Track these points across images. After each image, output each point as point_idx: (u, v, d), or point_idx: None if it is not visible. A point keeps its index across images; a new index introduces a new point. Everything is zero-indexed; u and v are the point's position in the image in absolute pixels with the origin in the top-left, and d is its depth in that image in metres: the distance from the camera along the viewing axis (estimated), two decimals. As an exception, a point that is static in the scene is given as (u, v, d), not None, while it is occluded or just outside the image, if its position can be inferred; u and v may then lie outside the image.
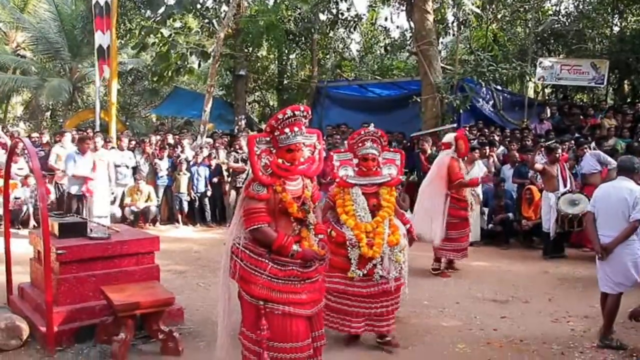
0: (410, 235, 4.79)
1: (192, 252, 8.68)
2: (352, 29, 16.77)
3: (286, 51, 17.78)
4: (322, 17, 16.26)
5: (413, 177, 10.24)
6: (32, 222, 9.93)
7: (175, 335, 4.47)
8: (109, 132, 12.24)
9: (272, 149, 3.51)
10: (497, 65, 12.11)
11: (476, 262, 7.76)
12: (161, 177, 11.04)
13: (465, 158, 7.49)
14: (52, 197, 9.97)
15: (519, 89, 17.73)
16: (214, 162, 11.40)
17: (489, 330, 5.20)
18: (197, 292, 6.36)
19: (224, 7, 15.88)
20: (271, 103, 20.90)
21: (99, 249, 4.85)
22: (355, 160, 4.66)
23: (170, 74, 16.08)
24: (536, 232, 9.07)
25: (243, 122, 14.78)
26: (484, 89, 13.02)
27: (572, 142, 10.22)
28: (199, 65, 17.89)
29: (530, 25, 14.97)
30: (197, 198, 11.15)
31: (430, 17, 12.46)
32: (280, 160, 3.46)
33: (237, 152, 11.08)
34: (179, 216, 11.12)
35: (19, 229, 9.52)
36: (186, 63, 16.04)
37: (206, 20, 16.41)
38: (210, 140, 12.94)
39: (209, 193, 11.18)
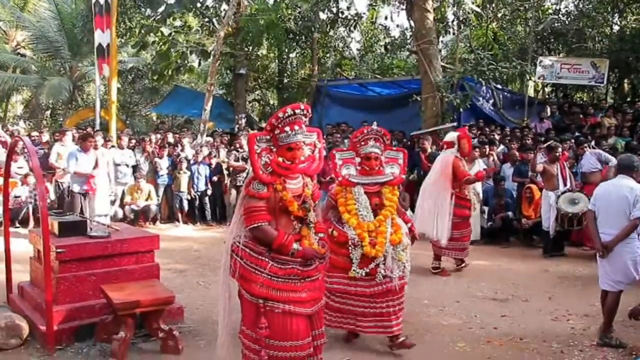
0: (412, 234, 4.77)
1: (192, 251, 8.68)
2: (352, 28, 16.73)
3: (286, 50, 17.77)
4: (322, 15, 16.24)
5: (413, 176, 10.24)
6: (32, 222, 9.93)
7: (175, 334, 4.47)
8: (109, 130, 12.25)
9: (272, 147, 3.50)
10: (497, 64, 12.09)
11: (476, 261, 7.76)
12: (161, 175, 11.05)
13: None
14: (52, 195, 9.97)
15: (519, 87, 17.72)
16: (214, 161, 11.40)
17: (489, 328, 5.20)
18: (197, 290, 6.36)
19: (224, 6, 15.89)
20: (271, 102, 20.90)
21: (98, 247, 4.84)
22: (358, 159, 4.62)
23: (170, 72, 16.10)
24: (536, 231, 9.07)
25: (243, 120, 14.78)
26: (484, 87, 13.01)
27: (572, 141, 10.22)
28: (199, 64, 17.88)
29: (530, 24, 14.96)
30: (197, 197, 11.16)
31: (431, 16, 12.45)
32: (280, 159, 3.46)
33: (238, 151, 11.08)
34: (179, 215, 11.13)
35: (18, 227, 9.51)
36: (186, 62, 16.05)
37: (206, 19, 16.41)
38: (210, 139, 12.95)
39: (209, 192, 11.19)
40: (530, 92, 17.47)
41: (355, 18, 16.28)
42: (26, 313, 4.82)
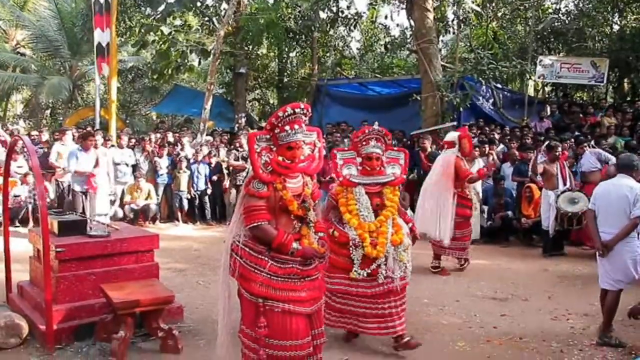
0: (413, 234, 4.75)
1: (191, 250, 8.68)
2: (352, 27, 16.72)
3: (286, 49, 17.77)
4: (322, 15, 16.22)
5: (413, 175, 10.24)
6: (31, 221, 9.93)
7: (174, 333, 4.46)
8: (109, 130, 12.25)
9: (272, 146, 3.50)
10: (497, 63, 12.08)
11: (476, 260, 7.76)
12: (161, 175, 11.04)
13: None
14: (52, 195, 9.97)
15: (519, 87, 17.73)
16: (214, 160, 11.40)
17: (488, 328, 5.20)
18: (197, 290, 6.36)
19: (224, 5, 15.88)
20: (271, 101, 20.89)
21: (98, 247, 4.84)
22: (359, 159, 4.60)
23: (170, 71, 16.10)
24: (536, 230, 9.08)
25: (243, 120, 14.78)
26: (484, 87, 13.01)
27: (572, 140, 10.22)
28: (199, 63, 17.88)
29: (530, 23, 14.96)
30: (197, 196, 11.15)
31: (431, 15, 12.44)
32: (280, 158, 3.46)
33: (237, 150, 11.07)
34: (179, 214, 11.13)
35: (18, 227, 9.51)
36: (186, 61, 16.06)
37: (206, 18, 16.41)
38: (210, 138, 12.94)
39: (209, 191, 11.19)
40: (530, 91, 17.47)
41: (355, 17, 16.26)
42: (26, 312, 4.81)
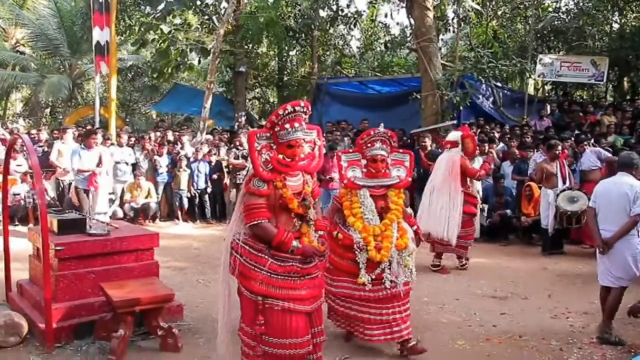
0: (417, 236, 4.69)
1: (191, 249, 8.68)
2: (352, 26, 16.75)
3: (286, 48, 17.76)
4: (322, 13, 16.24)
5: (413, 174, 10.22)
6: (31, 220, 9.93)
7: (174, 332, 4.47)
8: (109, 128, 12.24)
9: (272, 144, 3.50)
10: (497, 62, 12.09)
11: (475, 259, 7.76)
12: (161, 173, 11.04)
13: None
14: (52, 193, 9.96)
15: (519, 85, 17.75)
16: (214, 159, 11.39)
17: (488, 326, 5.20)
18: (197, 288, 6.36)
19: (224, 4, 15.87)
20: (271, 100, 20.89)
21: (98, 245, 4.83)
22: (364, 161, 4.53)
23: (170, 70, 16.11)
24: (536, 229, 9.07)
25: (243, 118, 14.76)
26: (484, 85, 13.01)
27: (572, 139, 10.21)
28: (199, 61, 17.89)
29: (530, 22, 14.96)
30: (197, 194, 11.15)
31: (430, 14, 12.44)
32: (280, 156, 3.46)
33: (237, 149, 11.06)
34: (179, 213, 11.12)
35: (17, 225, 9.51)
36: (186, 59, 16.07)
37: (206, 17, 16.41)
38: (210, 136, 12.94)
39: (209, 190, 11.19)
40: (530, 90, 17.47)
41: (355, 16, 16.28)
42: (25, 311, 4.81)
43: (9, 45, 21.11)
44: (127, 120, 19.41)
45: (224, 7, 15.57)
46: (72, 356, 4.34)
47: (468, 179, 7.20)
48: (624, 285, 4.74)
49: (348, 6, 16.34)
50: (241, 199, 3.54)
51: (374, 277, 4.25)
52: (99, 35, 12.32)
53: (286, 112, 3.41)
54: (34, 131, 12.79)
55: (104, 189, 9.29)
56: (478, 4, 14.68)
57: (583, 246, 8.60)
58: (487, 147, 9.98)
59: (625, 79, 16.57)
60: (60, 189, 9.99)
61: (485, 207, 9.54)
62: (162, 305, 4.50)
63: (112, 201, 10.33)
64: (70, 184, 9.55)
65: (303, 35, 16.97)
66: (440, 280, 6.86)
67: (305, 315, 3.47)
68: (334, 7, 16.10)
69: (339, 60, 18.13)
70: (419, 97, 12.38)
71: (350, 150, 4.94)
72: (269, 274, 3.38)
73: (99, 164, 9.03)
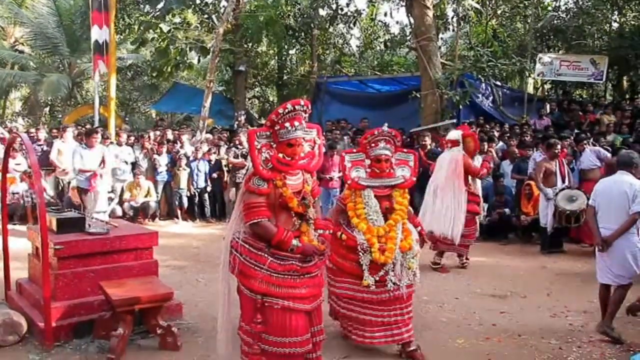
0: (422, 237, 4.65)
1: (191, 248, 8.68)
2: (351, 25, 16.74)
3: (286, 47, 17.74)
4: (322, 12, 16.24)
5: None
6: (30, 219, 9.92)
7: (173, 331, 4.46)
8: (108, 127, 12.23)
9: (272, 143, 3.49)
10: (496, 60, 12.10)
11: (475, 258, 7.75)
12: (160, 172, 11.03)
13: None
14: (50, 192, 9.95)
15: (518, 84, 17.74)
16: (213, 158, 11.39)
17: (487, 325, 5.20)
18: (196, 287, 6.36)
19: (223, 3, 15.88)
20: (271, 98, 20.88)
21: (97, 244, 4.83)
22: (368, 161, 4.47)
23: (169, 69, 16.10)
24: (535, 228, 9.06)
25: (243, 117, 14.76)
26: (484, 84, 13.01)
27: (571, 138, 10.21)
28: (199, 60, 17.89)
29: (529, 21, 14.97)
30: (196, 193, 11.15)
31: (430, 13, 12.44)
32: (280, 155, 3.45)
33: (237, 148, 11.05)
34: (179, 212, 11.12)
35: (16, 224, 9.49)
36: (185, 58, 16.06)
37: (205, 16, 16.39)
38: (209, 135, 12.93)
39: (208, 189, 11.18)
40: (530, 89, 17.48)
41: (355, 15, 16.27)
42: (24, 310, 4.80)
43: (8, 44, 21.10)
44: (127, 119, 19.43)
45: (223, 6, 15.56)
46: (71, 355, 4.34)
47: (470, 178, 7.21)
48: (623, 283, 4.74)
49: (348, 5, 16.35)
50: (241, 197, 3.54)
51: (377, 279, 4.20)
52: (98, 34, 12.29)
53: (286, 110, 3.41)
54: (32, 130, 12.76)
55: (103, 188, 9.26)
56: (478, 2, 14.66)
57: (582, 245, 8.60)
58: (486, 146, 9.98)
59: (624, 78, 16.59)
60: (60, 187, 9.98)
61: (485, 206, 9.54)
62: (161, 304, 4.49)
63: (111, 199, 10.32)
64: (69, 182, 9.52)
65: (303, 34, 16.96)
66: (439, 279, 6.86)
67: (305, 314, 3.47)
68: (334, 6, 16.10)
69: (338, 59, 18.12)
70: (418, 96, 12.38)
71: (354, 150, 4.87)
72: (268, 273, 3.38)
73: (102, 163, 8.82)
